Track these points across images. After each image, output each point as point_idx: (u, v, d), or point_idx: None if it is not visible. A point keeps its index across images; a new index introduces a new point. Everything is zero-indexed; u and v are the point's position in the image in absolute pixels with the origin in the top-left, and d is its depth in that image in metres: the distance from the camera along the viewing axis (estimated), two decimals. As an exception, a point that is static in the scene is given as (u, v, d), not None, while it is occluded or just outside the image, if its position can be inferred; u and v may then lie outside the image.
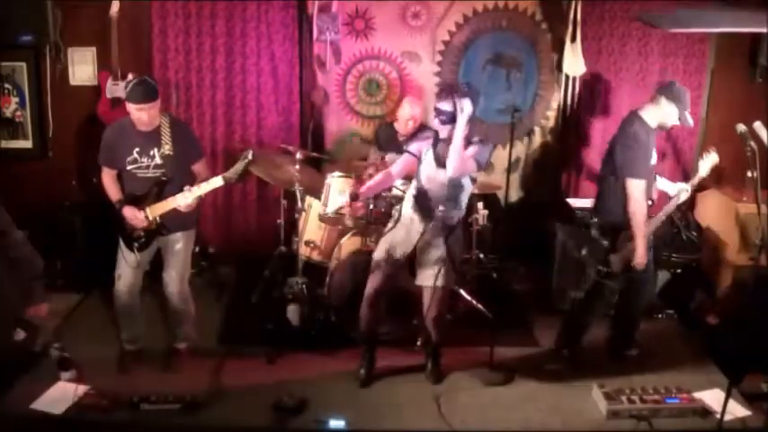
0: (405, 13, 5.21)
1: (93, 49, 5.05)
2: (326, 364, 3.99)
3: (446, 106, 3.46)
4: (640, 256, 3.72)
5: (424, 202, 3.61)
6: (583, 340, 4.10)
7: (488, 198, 4.89)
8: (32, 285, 3.56)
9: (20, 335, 3.96)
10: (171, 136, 3.61)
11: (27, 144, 5.18)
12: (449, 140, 3.49)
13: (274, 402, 3.54)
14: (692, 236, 4.91)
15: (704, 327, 4.47)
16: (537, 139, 5.47)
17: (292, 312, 4.24)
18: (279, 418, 3.49)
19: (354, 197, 3.60)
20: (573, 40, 5.11)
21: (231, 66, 5.14)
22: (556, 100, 5.39)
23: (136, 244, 3.69)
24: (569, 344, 4.10)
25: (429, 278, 3.62)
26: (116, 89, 4.88)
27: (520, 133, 5.33)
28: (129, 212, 3.63)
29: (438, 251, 3.60)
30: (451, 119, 3.44)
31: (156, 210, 3.63)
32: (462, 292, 4.42)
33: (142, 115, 3.52)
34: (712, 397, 3.63)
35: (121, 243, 3.74)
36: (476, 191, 4.40)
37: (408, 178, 3.88)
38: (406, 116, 4.67)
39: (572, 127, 5.40)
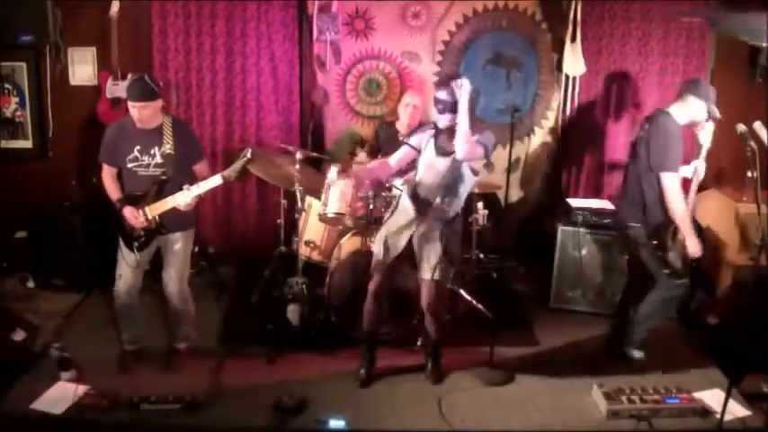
0: (405, 13, 5.21)
1: (93, 49, 5.05)
2: (326, 364, 3.99)
3: (444, 95, 3.49)
4: (694, 245, 3.78)
5: (421, 192, 3.62)
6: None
7: (488, 198, 4.89)
8: None
9: (20, 335, 3.98)
10: (173, 135, 3.62)
11: (27, 144, 5.19)
12: (449, 130, 3.53)
13: (274, 402, 3.53)
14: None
15: (704, 327, 4.46)
16: (537, 139, 5.47)
17: (292, 312, 4.24)
18: (279, 418, 3.48)
19: (342, 171, 3.68)
20: (573, 40, 5.11)
21: (231, 66, 5.14)
22: (556, 100, 5.39)
23: (135, 243, 3.69)
24: (640, 347, 4.07)
25: (426, 271, 3.63)
26: (116, 89, 4.88)
27: (520, 133, 5.33)
28: (129, 213, 3.63)
29: (435, 244, 3.60)
30: (450, 107, 3.48)
31: (156, 209, 3.63)
32: (462, 292, 4.42)
33: (139, 113, 3.53)
34: (712, 397, 3.63)
35: (121, 243, 3.74)
36: (476, 190, 4.41)
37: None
38: (407, 102, 4.75)
39: (572, 127, 5.40)
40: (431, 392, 3.77)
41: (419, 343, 4.07)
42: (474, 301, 4.41)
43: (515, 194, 5.51)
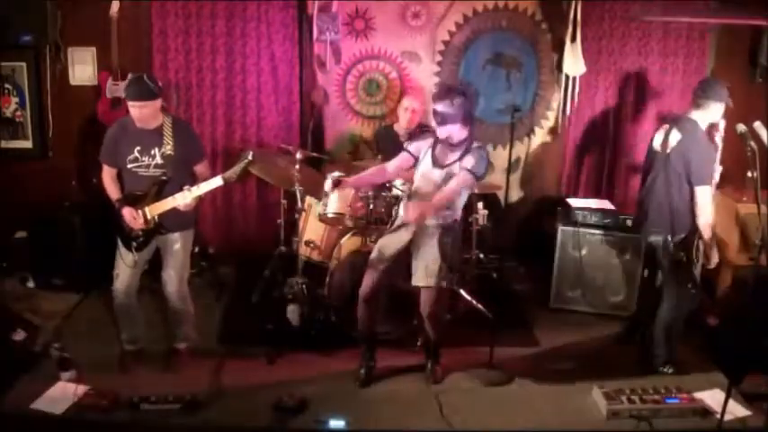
0: (405, 13, 5.21)
1: (93, 49, 5.05)
2: (326, 364, 3.99)
3: (442, 107, 3.47)
4: (715, 256, 3.80)
5: (416, 200, 3.61)
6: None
7: (488, 198, 4.90)
8: None
9: (20, 335, 3.98)
10: (173, 136, 3.62)
11: (27, 144, 5.19)
12: (446, 141, 3.53)
13: (274, 402, 3.53)
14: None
15: (704, 327, 4.46)
16: (537, 139, 5.47)
17: (292, 312, 4.24)
18: (279, 418, 3.48)
19: (337, 183, 3.60)
20: (573, 40, 5.11)
21: (231, 66, 5.14)
22: (556, 100, 5.39)
23: (134, 243, 3.69)
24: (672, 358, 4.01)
25: (421, 279, 3.62)
26: (116, 89, 4.88)
27: (520, 133, 5.33)
28: (128, 213, 3.63)
29: (430, 252, 3.59)
30: (447, 120, 3.46)
31: (155, 209, 3.63)
32: (462, 292, 4.41)
33: (139, 112, 3.54)
34: (712, 397, 3.63)
35: (120, 243, 3.74)
36: (476, 191, 4.40)
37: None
38: (405, 106, 4.75)
39: (572, 127, 5.40)
40: (431, 392, 3.77)
41: (419, 343, 4.07)
42: (474, 301, 4.41)
43: (515, 194, 5.51)
